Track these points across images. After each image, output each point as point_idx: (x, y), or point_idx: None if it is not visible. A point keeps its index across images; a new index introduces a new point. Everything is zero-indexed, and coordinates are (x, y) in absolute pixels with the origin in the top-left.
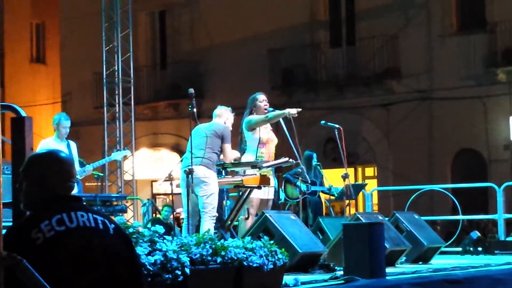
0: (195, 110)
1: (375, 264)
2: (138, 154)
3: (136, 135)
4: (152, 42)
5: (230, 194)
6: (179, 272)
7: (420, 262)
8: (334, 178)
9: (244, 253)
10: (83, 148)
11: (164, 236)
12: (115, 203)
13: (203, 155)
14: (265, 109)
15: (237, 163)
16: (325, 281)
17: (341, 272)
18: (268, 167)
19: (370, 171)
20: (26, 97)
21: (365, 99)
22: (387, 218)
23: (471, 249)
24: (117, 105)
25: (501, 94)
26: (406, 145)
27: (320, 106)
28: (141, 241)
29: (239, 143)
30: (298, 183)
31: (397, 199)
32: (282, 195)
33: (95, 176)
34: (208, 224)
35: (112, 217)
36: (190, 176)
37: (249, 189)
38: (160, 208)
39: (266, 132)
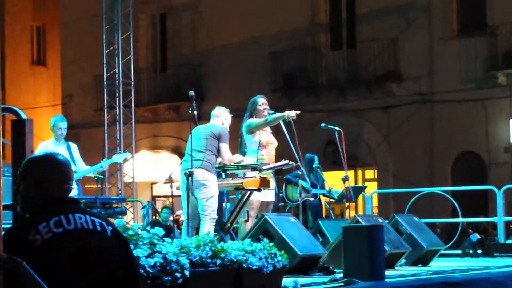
0: (195, 112)
1: (374, 266)
2: (138, 156)
3: (136, 137)
4: (153, 45)
5: (230, 197)
6: (179, 275)
7: (420, 265)
8: (334, 181)
9: (243, 256)
10: (83, 150)
11: (164, 238)
12: (115, 205)
13: (203, 158)
14: (265, 113)
15: (237, 165)
16: (325, 283)
17: (341, 275)
18: (268, 169)
19: (370, 173)
20: (27, 100)
21: (365, 102)
22: (387, 221)
23: (471, 251)
24: (117, 107)
25: (501, 97)
26: (406, 148)
27: (320, 109)
28: (140, 243)
29: (239, 146)
30: (300, 181)
31: (397, 201)
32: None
33: (95, 178)
34: (208, 227)
35: (112, 220)
36: (190, 178)
37: (249, 192)
38: (159, 210)
39: (266, 135)
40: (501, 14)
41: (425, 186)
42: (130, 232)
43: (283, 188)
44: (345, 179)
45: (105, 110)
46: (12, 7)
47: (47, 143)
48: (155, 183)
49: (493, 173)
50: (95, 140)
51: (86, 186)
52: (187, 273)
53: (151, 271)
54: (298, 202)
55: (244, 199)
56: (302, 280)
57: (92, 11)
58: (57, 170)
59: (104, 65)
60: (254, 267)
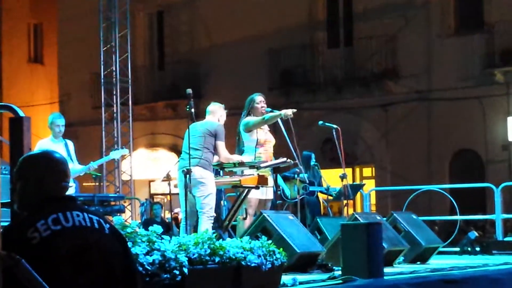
0: (193, 110)
1: (373, 264)
2: (136, 154)
3: (134, 135)
4: (150, 43)
5: (228, 195)
6: (177, 272)
7: (418, 262)
8: (332, 178)
9: (242, 253)
10: (81, 148)
11: (162, 236)
12: (113, 203)
13: (200, 156)
14: (263, 110)
15: (235, 163)
16: (323, 281)
17: (339, 272)
18: (266, 167)
19: (368, 171)
20: (24, 98)
21: (363, 100)
22: (385, 218)
23: (469, 249)
24: (115, 105)
25: (499, 94)
26: (404, 146)
27: (318, 107)
28: (139, 240)
29: (236, 144)
30: (300, 175)
31: (395, 199)
32: (287, 192)
33: (93, 176)
34: (206, 224)
35: (110, 217)
36: (187, 176)
37: (247, 189)
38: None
39: (263, 133)
40: (498, 12)
41: (423, 183)
42: (129, 230)
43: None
44: (343, 177)
45: (103, 108)
46: (9, 5)
47: (45, 141)
48: (153, 181)
49: (490, 170)
50: (93, 138)
51: (84, 184)
52: (185, 270)
53: (149, 268)
54: (296, 200)
55: (242, 197)
56: (301, 277)
57: (89, 8)
58: (54, 168)
59: (102, 63)
60: (252, 265)
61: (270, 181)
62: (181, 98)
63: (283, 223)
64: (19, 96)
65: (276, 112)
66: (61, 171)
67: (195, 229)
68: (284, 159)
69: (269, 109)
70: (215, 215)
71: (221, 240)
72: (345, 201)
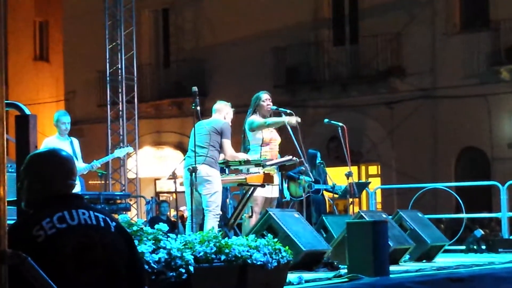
0: (198, 108)
1: (379, 262)
2: (142, 152)
3: (139, 133)
4: (156, 40)
5: (234, 193)
6: (183, 270)
7: (424, 261)
8: (337, 176)
9: (248, 251)
10: (86, 146)
11: (168, 234)
12: (118, 201)
13: (206, 154)
14: (268, 108)
15: (240, 161)
16: (329, 279)
17: (345, 270)
18: (271, 165)
19: (373, 169)
20: (30, 95)
21: (368, 98)
22: (390, 217)
23: (475, 247)
24: (120, 103)
25: (504, 92)
26: (409, 144)
27: (323, 105)
28: (145, 239)
29: (242, 142)
30: (302, 177)
31: (400, 197)
32: (286, 193)
33: (99, 174)
34: (212, 222)
35: (115, 215)
36: (193, 174)
37: (252, 187)
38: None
39: (269, 132)
40: (504, 9)
41: (429, 181)
42: (135, 228)
43: (286, 184)
44: (348, 175)
45: (108, 106)
46: (15, 3)
47: (51, 138)
48: (158, 179)
49: (496, 168)
50: (98, 136)
51: (89, 182)
52: (191, 268)
53: (155, 266)
54: (301, 198)
55: (248, 195)
56: (307, 275)
57: (94, 6)
58: (60, 166)
59: (107, 60)
60: (258, 263)
61: (276, 179)
62: (187, 96)
63: (289, 221)
64: (25, 94)
65: (280, 119)
66: (67, 169)
67: (201, 227)
68: (290, 157)
69: (275, 107)
70: (221, 213)
71: (226, 238)
72: (350, 199)
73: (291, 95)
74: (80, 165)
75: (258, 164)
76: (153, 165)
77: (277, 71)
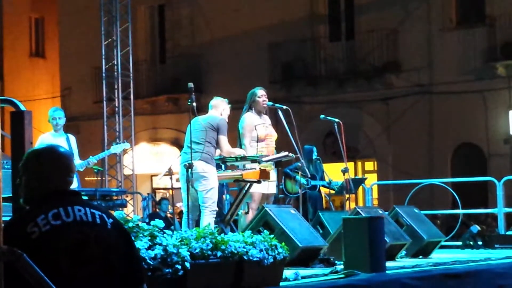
0: (194, 104)
1: (375, 258)
2: (138, 148)
3: (135, 129)
4: (152, 36)
5: (230, 189)
6: (179, 266)
7: (420, 256)
8: (334, 172)
9: (244, 247)
10: (82, 143)
11: (164, 230)
12: (115, 197)
13: (202, 150)
14: (264, 104)
15: (237, 157)
16: (325, 275)
17: (341, 266)
18: (268, 161)
19: (370, 165)
20: (26, 92)
21: (365, 93)
22: (387, 212)
23: (471, 243)
24: (116, 99)
25: (500, 88)
26: (406, 139)
27: (319, 100)
28: (141, 235)
29: (237, 138)
30: (298, 177)
31: (397, 193)
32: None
33: (95, 170)
34: (208, 219)
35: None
36: (189, 170)
37: (249, 184)
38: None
39: (263, 128)
40: (500, 5)
41: (425, 177)
42: (130, 224)
43: (283, 181)
44: (345, 171)
45: (104, 102)
46: None
47: (46, 135)
48: (155, 175)
49: (492, 164)
50: (95, 132)
51: (85, 178)
52: (187, 265)
53: (151, 263)
54: (298, 194)
55: (244, 191)
56: (303, 271)
57: (90, 2)
58: (58, 163)
59: (103, 57)
60: (254, 259)
61: (273, 175)
62: (183, 92)
63: (285, 217)
64: (21, 90)
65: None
66: (65, 166)
67: (197, 223)
68: (286, 153)
69: (271, 103)
70: (217, 209)
71: (223, 234)
72: (347, 195)
73: (287, 91)
74: (77, 161)
75: (254, 160)
76: (149, 162)
77: (273, 67)
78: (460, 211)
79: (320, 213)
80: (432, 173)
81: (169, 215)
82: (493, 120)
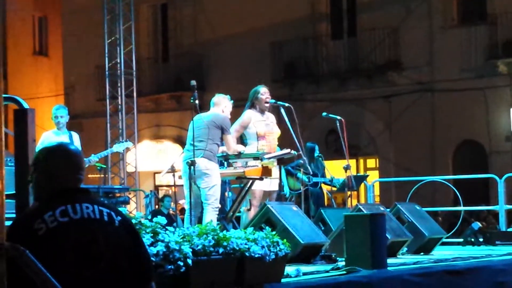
0: (197, 102)
1: (376, 255)
2: (141, 146)
3: (138, 127)
4: (154, 35)
5: (232, 186)
6: (182, 263)
7: (422, 253)
8: (336, 170)
9: (246, 244)
10: (85, 140)
11: (167, 227)
12: (117, 194)
13: (205, 147)
14: (266, 102)
15: (239, 154)
16: (327, 272)
17: (343, 263)
18: (269, 158)
19: (371, 162)
20: (29, 90)
21: (366, 91)
22: (388, 209)
23: (473, 240)
24: (119, 97)
25: (502, 85)
26: (407, 137)
27: (321, 98)
28: (143, 232)
29: (239, 136)
30: (299, 174)
31: (398, 190)
32: (286, 189)
33: (98, 168)
34: (210, 215)
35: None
36: (192, 168)
37: (251, 181)
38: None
39: (263, 126)
40: (501, 3)
41: (426, 174)
42: (133, 221)
43: (285, 179)
44: (346, 168)
45: (107, 100)
46: None
47: (48, 133)
48: (157, 172)
49: (494, 161)
50: (98, 130)
51: (88, 175)
52: (189, 261)
53: (153, 259)
54: (300, 191)
55: (246, 188)
56: (305, 268)
57: (93, 1)
58: (68, 160)
59: (106, 55)
60: (256, 256)
61: (275, 173)
62: (185, 90)
63: (287, 214)
64: (24, 89)
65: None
66: (75, 164)
67: (199, 220)
68: (288, 150)
69: (273, 101)
70: (219, 206)
71: (225, 231)
72: (349, 192)
73: (289, 89)
74: None
75: (256, 157)
76: (152, 159)
77: (275, 65)
78: (461, 208)
79: (322, 210)
80: (434, 170)
81: (171, 212)
82: (494, 117)
